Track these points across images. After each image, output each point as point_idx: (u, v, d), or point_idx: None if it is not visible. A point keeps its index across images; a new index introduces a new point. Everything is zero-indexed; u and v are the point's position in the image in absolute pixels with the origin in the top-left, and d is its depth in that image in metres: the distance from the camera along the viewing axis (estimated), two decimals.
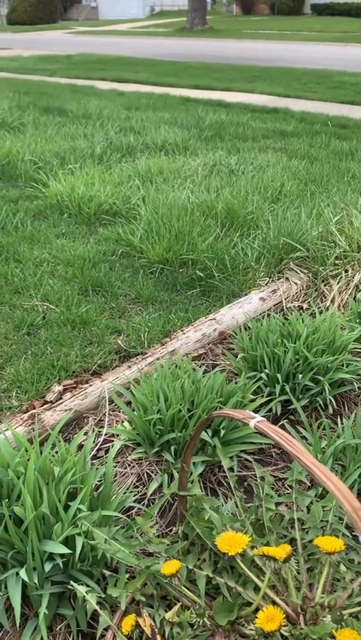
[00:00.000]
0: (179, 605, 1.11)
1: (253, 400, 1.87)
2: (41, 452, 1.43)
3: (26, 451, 1.41)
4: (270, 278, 2.85)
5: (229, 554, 1.11)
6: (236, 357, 2.17)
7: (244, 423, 0.86)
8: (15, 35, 26.89)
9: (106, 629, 1.11)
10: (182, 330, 2.39)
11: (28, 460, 1.35)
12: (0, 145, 4.79)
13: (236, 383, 1.87)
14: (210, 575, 1.13)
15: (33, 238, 3.24)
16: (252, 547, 1.17)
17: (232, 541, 1.13)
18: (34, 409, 1.93)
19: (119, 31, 29.60)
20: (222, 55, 16.31)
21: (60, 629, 1.22)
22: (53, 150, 4.79)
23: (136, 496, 1.56)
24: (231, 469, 1.49)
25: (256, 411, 1.85)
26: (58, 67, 13.07)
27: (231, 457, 1.70)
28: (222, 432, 1.68)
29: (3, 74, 11.65)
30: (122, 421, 1.90)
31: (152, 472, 1.69)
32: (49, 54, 16.37)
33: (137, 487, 1.65)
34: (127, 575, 1.17)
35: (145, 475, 1.68)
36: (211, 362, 2.25)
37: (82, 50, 17.52)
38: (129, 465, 1.72)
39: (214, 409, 1.74)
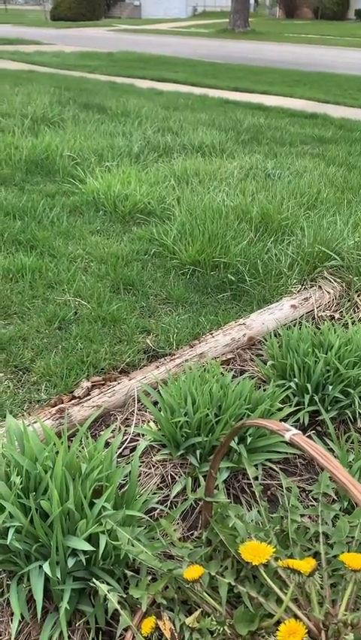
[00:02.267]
0: (200, 611, 1.10)
1: (280, 409, 1.85)
2: (69, 447, 1.45)
3: (54, 445, 1.42)
4: (302, 285, 2.82)
5: (253, 564, 1.10)
6: (265, 364, 2.15)
7: (279, 435, 0.85)
8: (58, 31, 27.21)
9: (125, 629, 1.12)
10: (211, 334, 2.39)
11: (57, 454, 1.37)
12: (40, 140, 4.85)
13: (265, 390, 1.86)
14: (233, 584, 1.12)
15: (68, 234, 3.27)
16: (275, 559, 1.16)
17: (256, 551, 1.12)
18: (62, 403, 1.95)
19: (161, 30, 29.70)
20: (263, 58, 16.23)
21: (79, 625, 1.23)
22: (92, 147, 4.83)
23: (159, 498, 1.56)
24: (255, 478, 1.48)
25: (283, 420, 1.84)
26: (99, 64, 13.19)
27: (256, 466, 1.69)
28: (249, 439, 1.67)
29: (45, 69, 11.80)
30: (149, 421, 1.91)
31: (176, 475, 1.69)
32: (90, 51, 16.51)
33: (160, 488, 1.65)
34: (149, 577, 1.17)
35: (169, 476, 1.68)
36: (239, 367, 2.24)
37: (123, 48, 17.64)
38: (154, 465, 1.72)
39: (241, 416, 1.73)
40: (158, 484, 1.66)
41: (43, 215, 3.45)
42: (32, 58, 13.67)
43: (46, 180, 4.20)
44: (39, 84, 8.77)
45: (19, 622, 1.20)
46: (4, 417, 1.83)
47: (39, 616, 1.18)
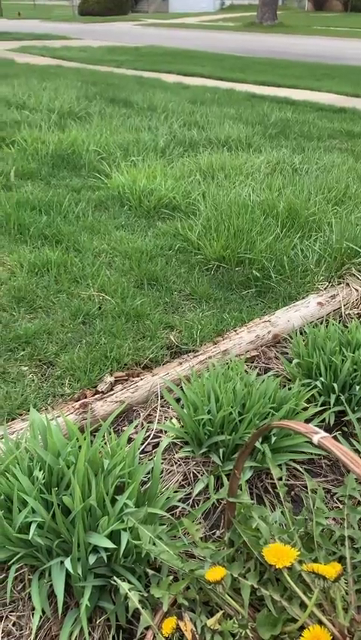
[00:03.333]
0: (221, 612, 1.09)
1: (306, 409, 1.82)
2: (91, 443, 1.44)
3: (77, 440, 1.42)
4: (329, 283, 2.77)
5: (276, 567, 1.08)
6: (290, 362, 2.12)
7: (306, 437, 0.83)
8: (86, 26, 27.29)
9: (146, 628, 1.10)
10: (235, 330, 2.36)
11: (79, 450, 1.36)
12: (66, 134, 4.87)
13: (290, 389, 1.83)
14: (255, 586, 1.10)
15: (93, 228, 3.27)
16: (300, 562, 1.13)
17: (280, 554, 1.10)
18: (85, 398, 1.95)
19: (188, 24, 29.56)
20: (291, 51, 16.02)
21: (100, 622, 1.22)
22: (117, 142, 4.83)
23: (181, 496, 1.55)
24: (279, 479, 1.45)
25: (308, 420, 1.81)
26: (125, 58, 13.18)
27: (280, 466, 1.66)
28: (273, 439, 1.64)
29: (72, 64, 11.85)
30: (171, 418, 1.89)
31: (198, 473, 1.67)
32: (117, 45, 16.52)
33: (182, 486, 1.63)
34: (170, 577, 1.16)
35: (191, 474, 1.67)
36: (264, 365, 2.21)
37: (150, 42, 17.60)
38: (176, 463, 1.71)
39: (266, 415, 1.71)
40: (180, 482, 1.64)
41: (68, 210, 3.46)
42: (60, 53, 13.74)
43: (72, 175, 4.21)
44: (66, 79, 8.80)
45: (40, 617, 1.20)
46: (28, 410, 1.84)
47: (60, 611, 1.17)
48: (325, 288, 2.72)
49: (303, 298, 2.63)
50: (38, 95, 6.75)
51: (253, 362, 2.22)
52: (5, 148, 4.76)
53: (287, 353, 2.27)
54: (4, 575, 1.34)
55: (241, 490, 1.25)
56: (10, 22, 28.53)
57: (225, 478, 1.58)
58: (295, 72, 11.30)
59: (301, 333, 2.29)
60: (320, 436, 0.79)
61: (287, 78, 10.32)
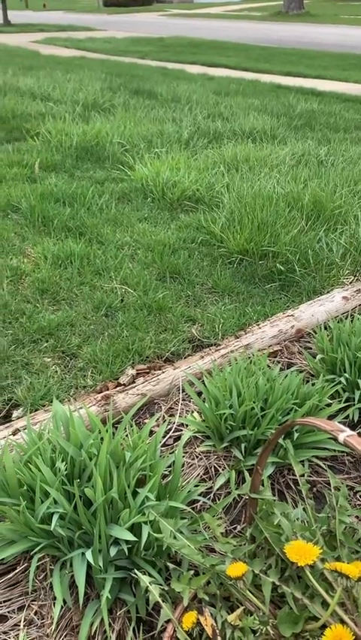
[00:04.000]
0: (242, 608, 1.08)
1: (329, 405, 1.80)
2: (113, 435, 1.44)
3: (99, 432, 1.42)
4: (355, 277, 2.73)
5: (298, 564, 1.07)
6: (314, 357, 2.09)
7: (332, 435, 0.81)
8: (110, 17, 27.25)
9: (167, 622, 1.10)
10: (258, 325, 2.34)
11: (102, 442, 1.37)
12: (90, 126, 4.87)
13: (313, 385, 1.81)
14: (277, 583, 1.09)
15: (116, 221, 3.27)
16: (322, 560, 1.12)
17: (302, 551, 1.09)
18: (107, 390, 1.95)
19: (213, 14, 29.29)
20: (317, 41, 15.76)
21: (120, 614, 1.23)
22: (141, 133, 4.82)
23: (202, 490, 1.54)
24: (302, 475, 1.44)
25: (332, 417, 1.78)
26: (150, 49, 13.13)
27: (302, 462, 1.65)
28: (296, 435, 1.63)
29: (97, 55, 11.85)
30: (192, 412, 1.89)
31: (219, 467, 1.66)
32: (141, 36, 16.47)
33: (203, 480, 1.63)
34: (191, 572, 1.15)
35: (212, 468, 1.66)
36: (286, 360, 2.19)
37: (174, 33, 17.50)
38: (197, 457, 1.70)
39: (288, 411, 1.69)
40: (201, 476, 1.64)
41: (92, 202, 3.46)
42: (84, 45, 13.75)
43: (95, 167, 4.22)
44: (90, 70, 8.81)
45: (61, 607, 1.21)
46: (51, 401, 1.86)
47: (81, 602, 1.18)
48: (350, 282, 2.68)
49: (328, 292, 2.60)
50: (63, 87, 6.76)
51: (275, 357, 2.20)
52: (30, 140, 4.79)
53: (311, 348, 2.24)
54: (26, 564, 1.35)
55: (263, 486, 1.24)
56: (36, 13, 28.63)
57: (246, 473, 1.57)
58: (321, 62, 11.13)
59: (325, 328, 2.26)
60: (345, 434, 0.78)
61: (313, 68, 10.17)
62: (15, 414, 1.86)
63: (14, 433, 1.67)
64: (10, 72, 7.86)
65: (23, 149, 4.50)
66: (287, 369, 2.11)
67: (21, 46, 13.05)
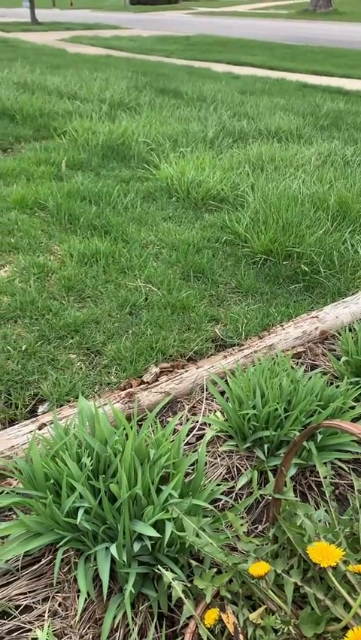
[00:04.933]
0: (263, 607, 1.09)
1: (353, 407, 1.79)
2: (137, 432, 1.46)
3: (124, 429, 1.44)
4: None
5: (321, 566, 1.08)
6: (338, 359, 2.09)
7: (358, 438, 0.82)
8: (136, 15, 27.33)
9: (188, 618, 1.12)
10: (281, 325, 2.34)
11: (126, 438, 1.39)
12: (116, 125, 4.90)
13: (337, 387, 1.81)
14: (299, 583, 1.10)
15: (141, 220, 3.29)
16: (344, 562, 1.12)
17: (324, 553, 1.09)
18: (131, 387, 1.97)
19: (239, 12, 29.18)
20: (345, 39, 15.60)
21: (142, 608, 1.25)
22: (167, 132, 4.83)
23: (224, 489, 1.55)
24: (325, 477, 1.44)
25: (356, 419, 1.78)
26: (175, 48, 13.14)
27: (325, 464, 1.65)
28: (319, 437, 1.63)
29: (123, 54, 11.90)
30: (215, 411, 1.90)
31: (242, 467, 1.67)
32: (167, 34, 16.48)
33: (225, 479, 1.64)
34: (214, 570, 1.17)
35: (235, 468, 1.67)
36: (310, 362, 2.19)
37: (200, 31, 17.48)
38: (219, 456, 1.71)
39: (312, 412, 1.69)
40: (223, 475, 1.65)
41: (117, 201, 3.49)
42: (110, 43, 13.82)
43: (121, 166, 4.25)
44: (117, 69, 8.85)
45: (85, 599, 1.23)
46: (76, 397, 1.89)
47: (105, 595, 1.20)
48: None
49: (353, 294, 2.58)
50: (89, 86, 6.81)
51: (299, 358, 2.20)
52: (57, 138, 4.84)
53: (335, 350, 2.24)
54: (50, 556, 1.38)
55: (287, 486, 1.25)
56: (63, 12, 28.85)
57: (270, 474, 1.58)
58: (348, 61, 11.01)
59: (350, 330, 2.25)
60: None
61: (341, 67, 10.07)
62: (41, 409, 1.90)
63: (40, 428, 1.70)
64: (37, 70, 7.95)
65: (50, 147, 4.55)
66: (311, 370, 2.10)
67: (48, 45, 13.18)
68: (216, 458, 1.70)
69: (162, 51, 12.43)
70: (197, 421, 1.84)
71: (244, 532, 1.29)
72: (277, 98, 6.82)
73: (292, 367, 1.93)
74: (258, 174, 3.90)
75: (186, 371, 2.04)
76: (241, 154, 4.35)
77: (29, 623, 1.25)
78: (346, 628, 1.03)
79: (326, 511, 1.41)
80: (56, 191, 3.52)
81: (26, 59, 9.56)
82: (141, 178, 3.98)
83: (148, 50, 12.61)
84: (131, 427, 1.39)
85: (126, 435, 1.43)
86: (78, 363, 2.10)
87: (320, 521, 1.37)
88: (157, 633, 1.24)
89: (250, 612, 1.10)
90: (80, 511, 1.25)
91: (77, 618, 1.23)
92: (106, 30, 17.93)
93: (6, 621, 1.26)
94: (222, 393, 1.92)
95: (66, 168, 4.06)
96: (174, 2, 35.50)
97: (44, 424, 1.71)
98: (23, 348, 2.12)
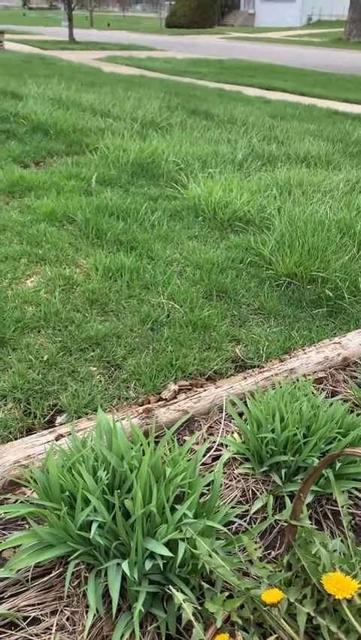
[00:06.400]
0: (275, 636, 1.07)
1: None
2: (154, 449, 1.46)
3: (141, 445, 1.44)
4: None
5: (336, 597, 1.05)
6: (360, 387, 2.06)
7: None
8: (172, 38, 27.87)
9: None
10: (303, 349, 2.32)
11: (143, 454, 1.38)
12: (147, 144, 4.98)
13: (358, 415, 1.78)
14: (312, 614, 1.08)
15: (167, 237, 3.32)
16: (360, 595, 1.10)
17: (340, 584, 1.07)
18: (149, 403, 1.97)
19: (273, 38, 29.57)
20: None
21: (150, 629, 1.23)
22: (196, 153, 4.89)
23: (238, 512, 1.53)
24: (343, 506, 1.41)
25: None
26: (208, 70, 13.35)
27: (342, 492, 1.62)
28: (338, 465, 1.60)
29: (156, 75, 12.12)
30: (233, 432, 1.89)
31: (257, 490, 1.65)
32: (201, 58, 16.76)
33: (240, 502, 1.62)
34: (225, 594, 1.15)
35: (250, 491, 1.65)
36: (331, 388, 2.17)
37: (233, 56, 17.74)
38: (235, 478, 1.70)
39: (331, 440, 1.67)
40: (238, 498, 1.63)
41: (144, 218, 3.53)
42: (144, 64, 14.10)
43: (150, 184, 4.30)
44: (150, 89, 9.02)
45: (94, 615, 1.22)
46: (94, 410, 1.89)
47: (114, 612, 1.19)
48: None
49: None
50: (123, 104, 6.94)
51: (320, 384, 2.18)
52: (89, 154, 4.93)
53: (357, 377, 2.21)
54: (61, 569, 1.37)
55: (303, 513, 1.23)
56: (100, 32, 29.58)
57: (287, 499, 1.56)
58: None
59: None
60: None
61: None
62: (59, 419, 1.90)
63: (57, 439, 1.71)
64: (73, 87, 8.13)
65: (82, 162, 4.64)
66: (331, 397, 2.08)
67: (84, 63, 13.50)
68: (231, 480, 1.69)
69: (195, 73, 12.63)
70: (214, 442, 1.83)
71: (258, 558, 1.27)
72: (307, 123, 6.86)
73: (312, 392, 1.91)
74: (285, 198, 3.91)
75: (205, 390, 2.04)
76: (269, 177, 4.37)
77: (36, 635, 1.25)
78: None
79: (341, 540, 1.39)
80: (85, 205, 3.57)
81: (62, 76, 9.80)
82: (169, 197, 4.03)
83: (181, 72, 12.82)
84: (148, 444, 1.39)
85: (143, 451, 1.43)
86: (98, 376, 2.10)
87: (334, 551, 1.34)
88: None
89: None
90: (94, 525, 1.25)
91: (85, 634, 1.22)
92: (141, 51, 18.31)
93: (13, 632, 1.25)
94: (241, 414, 1.91)
95: (96, 184, 4.13)
96: (209, 27, 36.16)
97: (62, 435, 1.72)
98: (45, 359, 2.14)
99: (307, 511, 1.56)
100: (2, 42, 16.61)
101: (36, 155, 4.92)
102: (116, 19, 44.38)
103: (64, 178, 4.19)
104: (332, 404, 1.76)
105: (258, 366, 2.22)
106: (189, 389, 2.09)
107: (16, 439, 1.77)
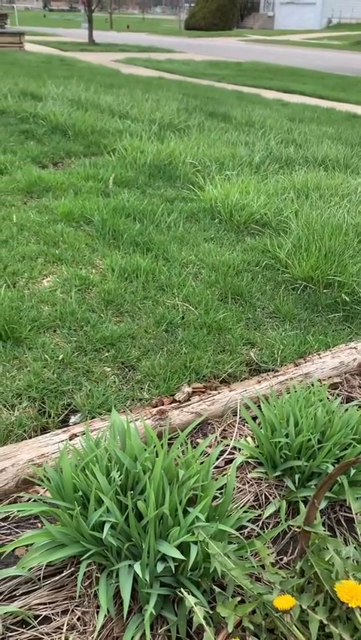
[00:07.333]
0: None
1: None
2: (168, 451, 1.46)
3: (154, 447, 1.44)
4: None
5: (349, 605, 1.04)
6: None
7: None
8: (190, 40, 27.91)
9: None
10: (318, 354, 2.31)
11: (156, 456, 1.38)
12: (165, 146, 4.98)
13: None
14: (325, 622, 1.07)
15: (183, 239, 3.32)
16: None
17: (353, 592, 1.06)
18: (162, 405, 1.97)
19: (292, 41, 29.48)
20: None
21: (161, 631, 1.23)
22: (214, 155, 4.88)
23: (251, 516, 1.53)
24: (357, 513, 1.40)
25: None
26: (227, 73, 13.34)
27: (356, 499, 1.60)
28: (353, 471, 1.59)
29: (175, 77, 12.14)
30: (246, 436, 1.88)
31: (270, 495, 1.64)
32: (219, 60, 16.76)
33: (253, 506, 1.61)
34: (237, 598, 1.14)
35: (263, 496, 1.64)
36: (346, 393, 2.15)
37: (252, 58, 17.71)
38: (248, 482, 1.69)
39: (346, 446, 1.65)
40: (250, 502, 1.62)
41: (161, 220, 3.53)
42: (163, 66, 14.14)
43: (167, 185, 4.31)
44: (168, 91, 9.04)
45: (105, 616, 1.22)
46: (108, 410, 1.90)
47: (125, 614, 1.19)
48: None
49: None
50: (141, 106, 6.96)
51: (335, 389, 2.16)
52: (106, 155, 4.95)
53: None
54: (72, 569, 1.38)
55: (317, 520, 1.22)
56: (119, 34, 29.73)
57: (301, 505, 1.55)
58: None
59: None
60: None
61: None
62: (73, 419, 1.91)
63: (71, 438, 1.71)
64: (92, 89, 8.18)
65: (99, 163, 4.66)
66: (346, 402, 2.06)
67: (103, 65, 13.57)
68: (244, 484, 1.68)
69: (213, 75, 12.64)
70: (227, 445, 1.82)
71: (270, 563, 1.27)
72: (326, 126, 6.83)
73: (327, 398, 1.89)
74: (302, 201, 3.89)
75: (219, 393, 2.03)
76: (287, 180, 4.35)
77: (47, 634, 1.25)
78: None
79: (355, 548, 1.37)
80: (102, 206, 3.58)
81: (81, 78, 9.86)
82: (186, 198, 4.03)
83: (200, 74, 12.83)
84: (162, 446, 1.38)
85: (156, 453, 1.43)
86: (112, 377, 2.11)
87: (348, 558, 1.33)
88: None
89: None
90: (107, 526, 1.25)
91: (95, 635, 1.22)
92: (160, 53, 18.36)
93: (25, 630, 1.26)
94: (255, 418, 1.90)
95: (113, 185, 4.14)
96: (228, 29, 36.15)
97: (75, 435, 1.72)
98: (60, 358, 2.15)
99: (321, 517, 1.55)
100: (23, 43, 16.76)
101: (54, 155, 4.95)
102: (135, 22, 44.60)
103: (82, 179, 4.21)
104: (347, 410, 1.74)
105: (272, 370, 2.21)
106: (203, 391, 2.08)
107: (30, 437, 1.78)
